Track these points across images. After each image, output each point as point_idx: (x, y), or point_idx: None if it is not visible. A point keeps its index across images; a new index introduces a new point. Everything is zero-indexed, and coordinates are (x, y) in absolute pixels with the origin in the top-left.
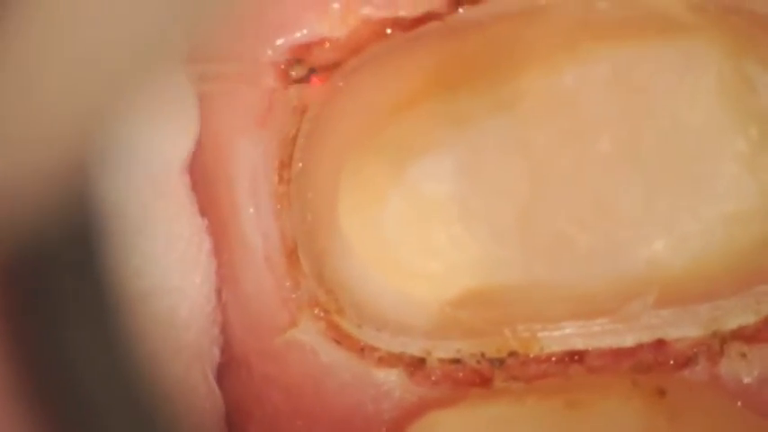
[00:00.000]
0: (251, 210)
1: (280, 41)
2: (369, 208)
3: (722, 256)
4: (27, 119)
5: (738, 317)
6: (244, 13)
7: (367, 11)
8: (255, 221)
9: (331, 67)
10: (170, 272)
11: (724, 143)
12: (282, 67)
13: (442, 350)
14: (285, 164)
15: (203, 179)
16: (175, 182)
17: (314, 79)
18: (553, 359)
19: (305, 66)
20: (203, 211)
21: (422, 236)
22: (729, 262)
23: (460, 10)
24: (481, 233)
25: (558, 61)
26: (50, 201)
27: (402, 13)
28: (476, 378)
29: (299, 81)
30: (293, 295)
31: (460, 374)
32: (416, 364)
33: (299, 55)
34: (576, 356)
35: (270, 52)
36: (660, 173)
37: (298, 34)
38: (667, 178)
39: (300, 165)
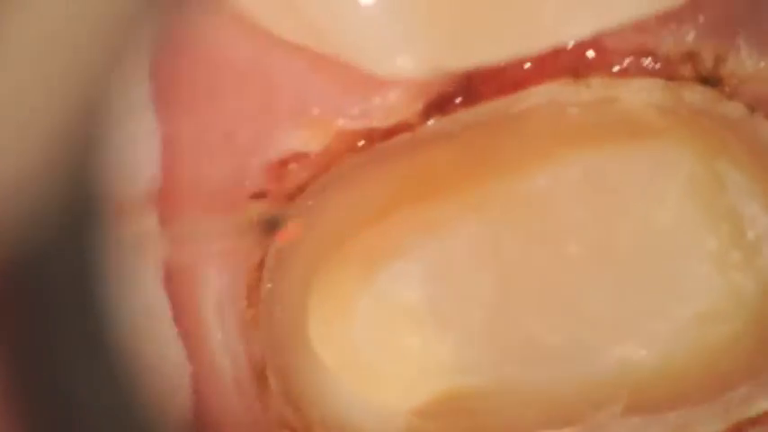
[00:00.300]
0: (219, 335)
1: (254, 161)
2: (338, 317)
3: (692, 357)
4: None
5: (707, 425)
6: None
7: (342, 122)
8: (223, 345)
9: (302, 188)
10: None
11: (695, 242)
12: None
13: None
14: (253, 287)
15: (173, 303)
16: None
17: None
18: None
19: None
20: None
21: (392, 341)
22: (699, 363)
23: (431, 121)
24: (451, 337)
25: (529, 165)
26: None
27: (375, 123)
28: None
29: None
30: (262, 417)
31: None
32: None
33: (274, 175)
34: None
35: (247, 183)
36: (631, 273)
37: (272, 152)
38: (638, 278)
39: (270, 285)
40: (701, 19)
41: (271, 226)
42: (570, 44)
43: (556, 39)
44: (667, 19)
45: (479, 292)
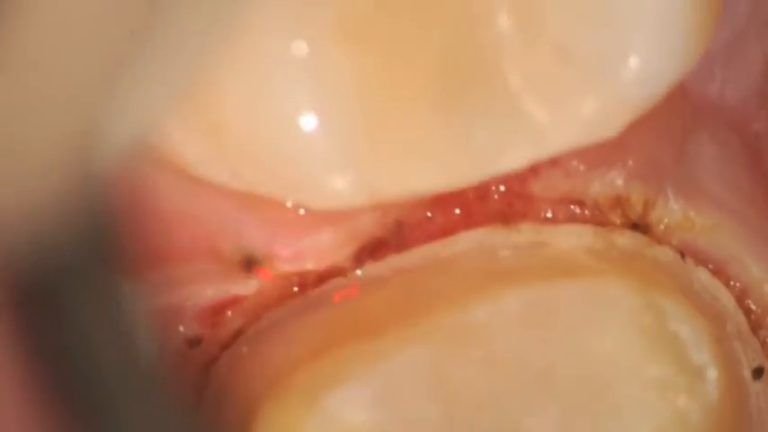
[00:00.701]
0: None
1: (188, 305)
2: None
3: None
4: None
5: None
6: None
7: (275, 264)
8: None
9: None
10: None
11: (638, 370)
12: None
13: None
14: None
15: None
16: None
17: None
18: None
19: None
20: None
21: None
22: None
23: (358, 272)
24: None
25: (466, 301)
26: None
27: (308, 266)
28: None
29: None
30: None
31: None
32: None
33: (209, 321)
34: None
35: (182, 328)
36: (576, 402)
37: (205, 296)
38: (583, 407)
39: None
40: (630, 163)
41: (249, 263)
42: (501, 188)
43: (490, 169)
44: (596, 163)
45: (426, 419)
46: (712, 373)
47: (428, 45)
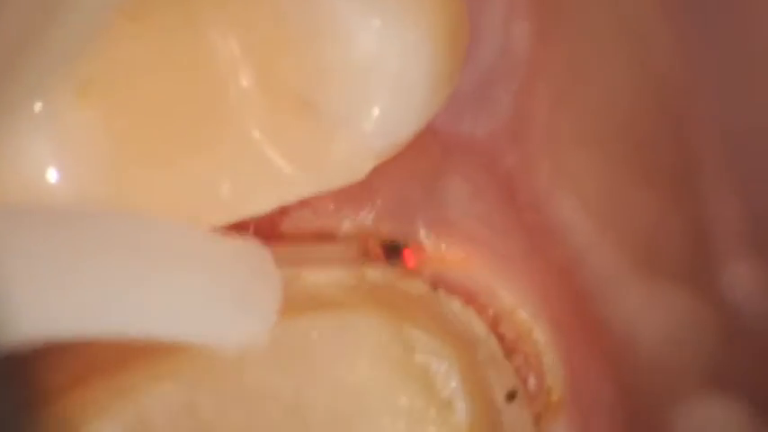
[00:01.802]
0: None
1: None
2: None
3: None
4: None
5: None
6: None
7: None
8: None
9: None
10: None
11: (388, 401)
12: None
13: None
14: None
15: None
16: None
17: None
18: None
19: None
20: None
21: None
22: None
23: None
24: None
25: None
26: None
27: None
28: None
29: None
30: None
31: None
32: None
33: None
34: None
35: None
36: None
37: None
38: None
39: None
40: (379, 202)
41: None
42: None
43: (236, 213)
44: (344, 203)
45: None
46: (461, 404)
47: (173, 103)
